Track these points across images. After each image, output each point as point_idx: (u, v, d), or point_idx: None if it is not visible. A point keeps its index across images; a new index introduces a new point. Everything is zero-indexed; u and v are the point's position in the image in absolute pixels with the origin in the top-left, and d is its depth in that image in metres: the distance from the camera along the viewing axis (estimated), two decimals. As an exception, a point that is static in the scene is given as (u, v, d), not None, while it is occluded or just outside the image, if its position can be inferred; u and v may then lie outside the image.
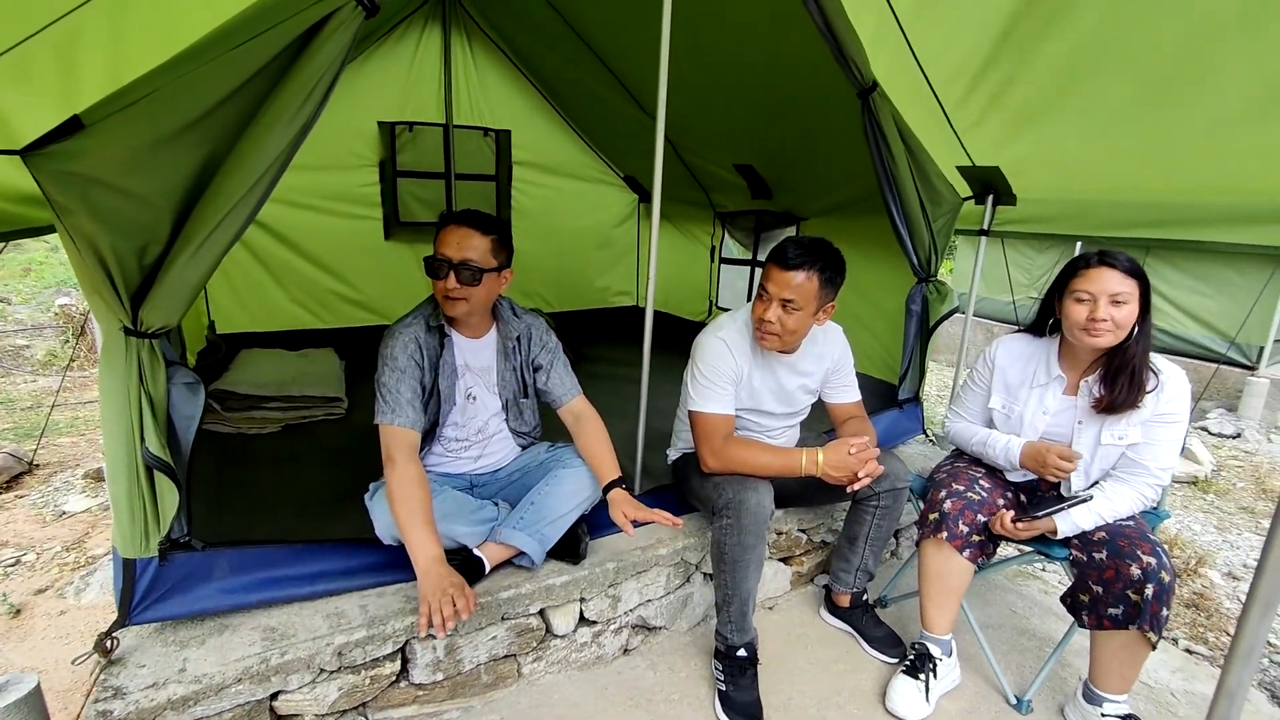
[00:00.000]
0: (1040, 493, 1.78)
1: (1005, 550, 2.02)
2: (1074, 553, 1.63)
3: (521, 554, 1.65)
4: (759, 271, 4.03)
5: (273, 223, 3.58)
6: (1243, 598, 2.69)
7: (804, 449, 1.70)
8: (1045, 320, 1.74)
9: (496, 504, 1.74)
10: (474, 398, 1.77)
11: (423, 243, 4.00)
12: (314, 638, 1.43)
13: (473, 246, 1.59)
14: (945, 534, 1.68)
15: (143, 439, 1.26)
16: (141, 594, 1.36)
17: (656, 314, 1.96)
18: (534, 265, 4.44)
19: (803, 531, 2.19)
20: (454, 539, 1.61)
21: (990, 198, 2.55)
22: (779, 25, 2.35)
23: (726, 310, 4.36)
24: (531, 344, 1.82)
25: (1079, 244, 5.90)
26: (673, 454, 2.07)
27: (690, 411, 1.80)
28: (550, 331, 1.86)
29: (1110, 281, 1.53)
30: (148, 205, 1.17)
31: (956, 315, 2.69)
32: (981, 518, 1.70)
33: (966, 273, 7.30)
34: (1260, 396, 5.31)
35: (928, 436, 2.78)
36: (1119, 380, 1.57)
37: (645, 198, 4.79)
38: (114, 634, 1.34)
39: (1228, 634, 2.45)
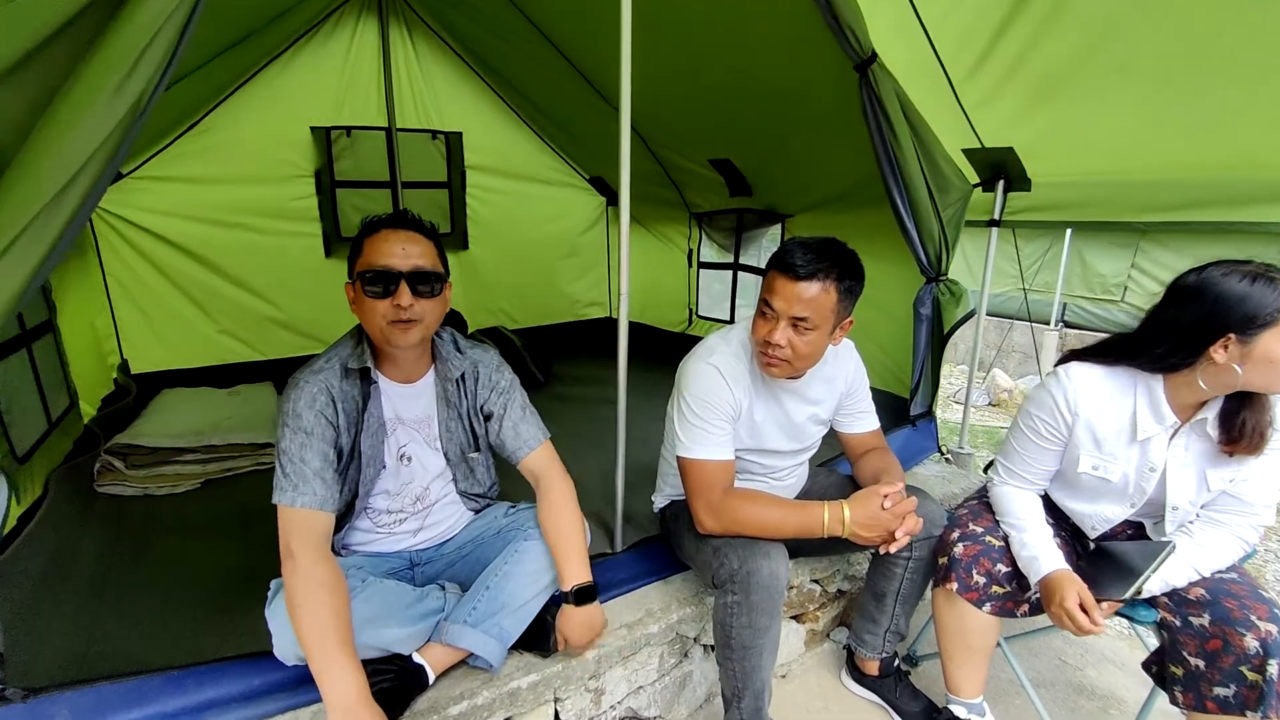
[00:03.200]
0: (1103, 539, 1.47)
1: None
2: (1163, 614, 1.32)
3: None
4: (741, 275, 3.78)
5: (193, 245, 3.15)
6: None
7: (825, 504, 1.37)
8: (1184, 361, 1.24)
9: (443, 586, 1.38)
10: (409, 458, 1.40)
11: (369, 259, 3.60)
12: (193, 804, 1.06)
13: (421, 252, 1.27)
14: (955, 585, 1.42)
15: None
16: (-72, 779, 0.98)
17: (632, 325, 1.64)
18: (495, 278, 4.08)
19: (816, 582, 1.87)
20: (385, 648, 1.24)
21: (1001, 183, 2.26)
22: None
23: (708, 319, 4.11)
24: (479, 385, 1.46)
25: (1069, 230, 5.71)
26: (659, 500, 1.73)
27: (679, 458, 1.46)
28: (502, 368, 1.49)
29: None
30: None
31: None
32: (1004, 567, 1.40)
33: (962, 266, 7.06)
34: None
35: (943, 455, 2.48)
36: (1242, 418, 1.24)
37: (613, 200, 4.45)
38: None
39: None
